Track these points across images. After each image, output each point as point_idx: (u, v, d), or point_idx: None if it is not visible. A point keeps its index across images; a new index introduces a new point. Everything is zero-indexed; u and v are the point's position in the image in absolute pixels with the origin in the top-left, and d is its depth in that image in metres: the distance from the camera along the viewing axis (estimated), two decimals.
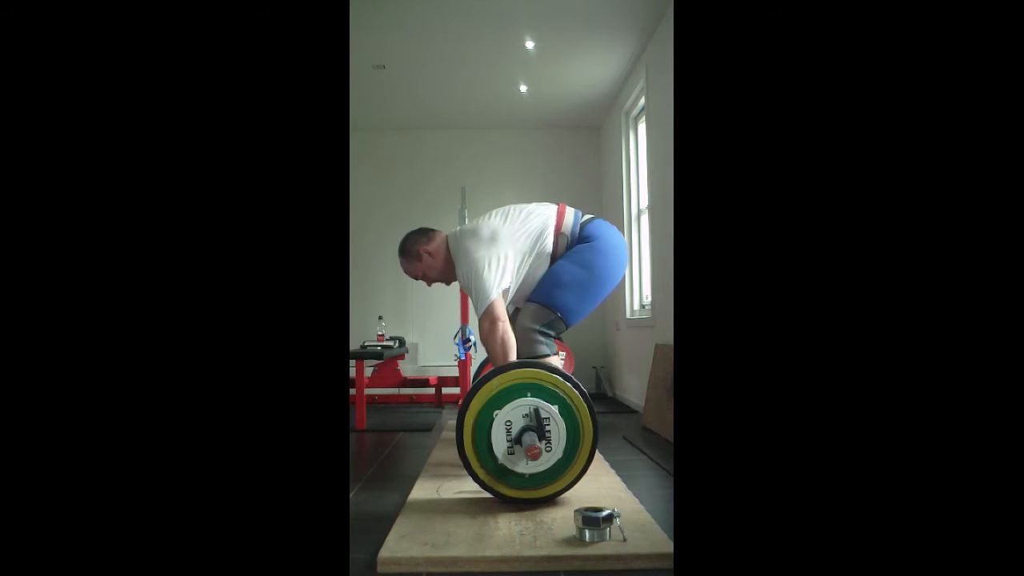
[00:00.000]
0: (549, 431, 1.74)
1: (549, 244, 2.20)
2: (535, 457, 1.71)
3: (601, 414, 3.94)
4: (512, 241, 2.16)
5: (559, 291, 2.15)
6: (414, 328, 5.35)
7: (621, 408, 4.22)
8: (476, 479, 1.78)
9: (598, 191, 5.42)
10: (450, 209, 4.81)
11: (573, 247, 2.20)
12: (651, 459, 2.53)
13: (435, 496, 1.91)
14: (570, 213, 2.26)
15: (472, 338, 3.93)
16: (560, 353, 4.81)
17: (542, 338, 2.18)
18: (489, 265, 2.11)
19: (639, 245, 4.41)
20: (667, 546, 1.42)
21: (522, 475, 1.74)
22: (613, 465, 2.34)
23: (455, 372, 4.63)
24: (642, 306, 4.33)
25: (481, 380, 1.82)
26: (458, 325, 3.97)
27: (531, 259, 2.19)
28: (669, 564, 1.36)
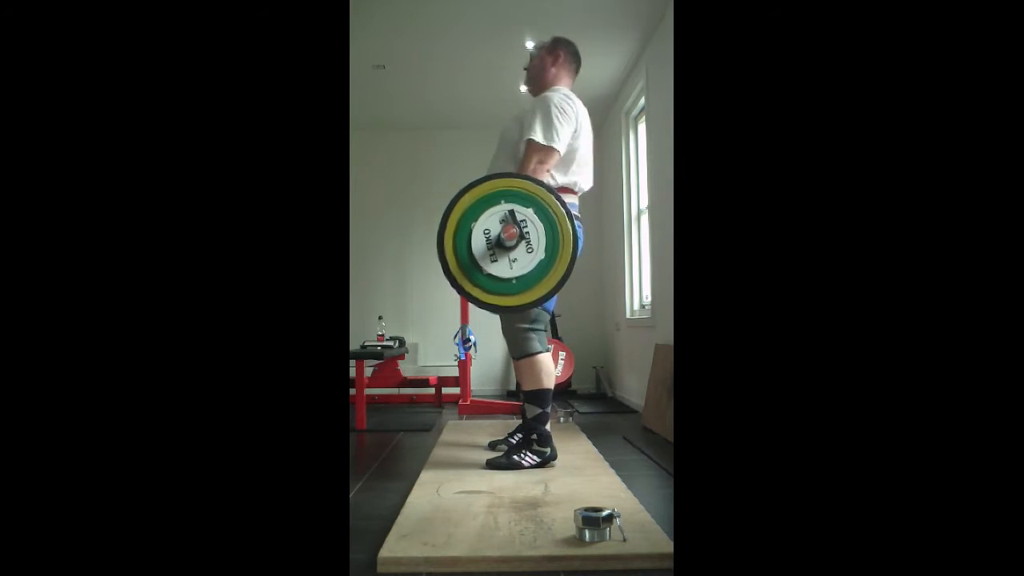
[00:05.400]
0: (528, 232, 1.75)
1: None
2: (511, 237, 1.73)
3: (601, 414, 3.94)
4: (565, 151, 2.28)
5: None
6: (414, 328, 5.35)
7: (621, 408, 4.21)
8: (462, 291, 1.80)
9: (598, 191, 5.41)
10: None
11: None
12: (651, 459, 2.53)
13: (435, 496, 1.91)
14: (571, 198, 2.34)
15: (472, 338, 3.92)
16: (560, 353, 4.82)
17: (533, 335, 2.27)
18: (567, 129, 2.21)
19: (639, 245, 4.41)
20: (667, 546, 1.42)
21: (508, 280, 1.75)
22: (613, 465, 2.34)
23: (455, 372, 4.63)
24: (642, 306, 4.33)
25: (457, 195, 1.84)
26: (458, 325, 3.97)
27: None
28: (669, 564, 1.36)
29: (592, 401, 4.56)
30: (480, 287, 1.77)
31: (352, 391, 3.53)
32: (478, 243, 1.74)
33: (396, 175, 5.44)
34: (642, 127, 4.22)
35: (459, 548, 1.43)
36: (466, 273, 1.76)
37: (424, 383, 4.56)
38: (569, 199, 2.35)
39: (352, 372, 3.55)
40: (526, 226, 1.74)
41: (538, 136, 2.16)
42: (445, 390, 4.61)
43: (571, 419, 3.60)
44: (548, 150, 2.16)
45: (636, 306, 4.43)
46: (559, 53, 2.45)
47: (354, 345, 4.70)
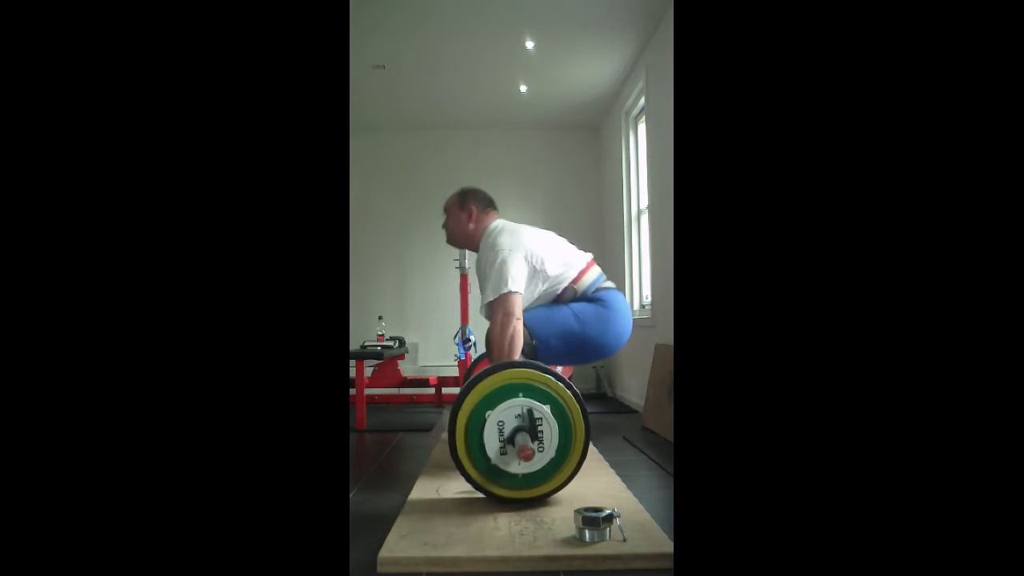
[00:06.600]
0: (541, 431, 1.74)
1: (558, 291, 2.24)
2: (528, 458, 1.71)
3: (601, 414, 3.94)
4: (537, 270, 2.20)
5: (545, 326, 2.18)
6: (414, 328, 5.35)
7: (621, 408, 4.21)
8: (468, 479, 1.78)
9: (598, 191, 5.42)
10: None
11: (579, 300, 2.24)
12: (651, 459, 2.53)
13: (435, 496, 1.91)
14: (593, 272, 2.29)
15: (472, 338, 3.92)
16: None
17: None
18: (516, 263, 2.13)
19: (639, 245, 4.41)
20: (667, 546, 1.42)
21: (515, 475, 1.74)
22: (613, 465, 2.34)
23: (455, 372, 4.63)
24: (642, 306, 4.33)
25: (473, 380, 1.81)
26: (458, 325, 3.97)
27: (537, 294, 2.23)
28: (669, 564, 1.36)
29: (592, 401, 4.56)
30: (483, 474, 1.77)
31: (352, 391, 3.53)
32: (490, 434, 1.73)
33: (396, 175, 5.43)
34: (642, 127, 4.22)
35: (459, 548, 1.43)
36: (473, 460, 1.76)
37: (424, 383, 4.56)
38: (593, 274, 2.28)
39: (352, 372, 3.55)
40: (541, 424, 1.74)
41: (487, 294, 2.12)
42: (445, 390, 4.61)
43: None
44: (505, 297, 2.08)
45: (636, 306, 4.43)
46: (470, 206, 2.36)
47: (354, 345, 4.70)
